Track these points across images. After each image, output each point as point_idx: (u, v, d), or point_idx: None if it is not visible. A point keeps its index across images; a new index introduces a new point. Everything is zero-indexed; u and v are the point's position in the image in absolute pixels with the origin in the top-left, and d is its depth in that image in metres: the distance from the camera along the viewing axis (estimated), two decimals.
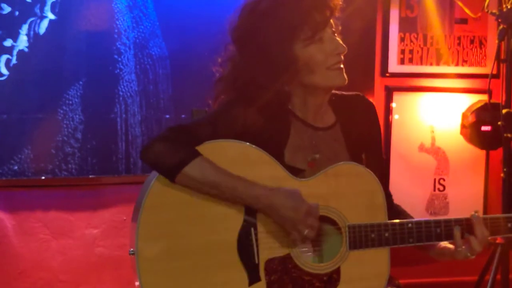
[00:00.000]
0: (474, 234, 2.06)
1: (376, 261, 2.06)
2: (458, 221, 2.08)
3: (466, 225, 2.08)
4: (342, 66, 2.06)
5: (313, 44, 2.01)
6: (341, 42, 2.06)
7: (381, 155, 2.28)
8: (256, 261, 1.99)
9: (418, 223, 2.07)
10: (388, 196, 2.19)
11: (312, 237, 1.97)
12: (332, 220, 2.05)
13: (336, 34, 2.07)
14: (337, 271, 2.03)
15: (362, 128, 2.19)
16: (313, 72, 2.03)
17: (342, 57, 2.06)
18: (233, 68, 2.09)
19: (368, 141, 2.21)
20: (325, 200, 2.03)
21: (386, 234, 2.05)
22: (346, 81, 2.07)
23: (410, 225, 2.06)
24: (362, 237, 2.04)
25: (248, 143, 2.02)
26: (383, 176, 2.16)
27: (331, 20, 2.05)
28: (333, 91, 2.18)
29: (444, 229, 2.07)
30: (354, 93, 2.23)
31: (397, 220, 2.08)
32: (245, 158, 2.02)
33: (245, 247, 1.99)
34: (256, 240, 1.99)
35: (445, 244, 2.12)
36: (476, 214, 2.08)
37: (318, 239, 2.08)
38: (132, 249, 1.97)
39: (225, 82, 2.11)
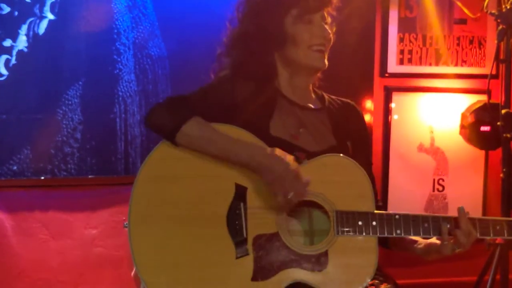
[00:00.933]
0: (459, 227, 2.08)
1: (364, 250, 2.08)
2: (445, 219, 2.10)
3: (454, 223, 2.10)
4: (324, 51, 2.21)
5: (302, 24, 2.19)
6: (328, 30, 2.21)
7: (369, 159, 2.33)
8: (245, 236, 2.04)
9: (406, 216, 2.10)
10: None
11: (295, 202, 2.01)
12: (320, 206, 2.09)
13: (326, 26, 2.22)
14: (325, 255, 2.06)
15: (349, 123, 2.29)
16: (296, 47, 2.20)
17: (326, 43, 2.21)
18: (231, 41, 2.26)
19: (354, 136, 2.28)
20: (314, 186, 2.06)
21: (374, 223, 2.08)
22: (326, 66, 2.22)
23: (397, 216, 2.09)
24: (350, 223, 2.07)
25: (234, 126, 2.10)
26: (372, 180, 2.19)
27: (326, 14, 2.22)
28: (328, 95, 2.31)
29: (432, 224, 2.09)
30: (346, 100, 2.37)
31: (384, 211, 2.11)
32: None
33: (234, 222, 2.04)
34: (245, 215, 2.05)
35: (431, 240, 2.14)
36: (462, 207, 2.11)
37: (307, 221, 2.13)
38: (126, 222, 2.05)
39: (224, 56, 2.28)
